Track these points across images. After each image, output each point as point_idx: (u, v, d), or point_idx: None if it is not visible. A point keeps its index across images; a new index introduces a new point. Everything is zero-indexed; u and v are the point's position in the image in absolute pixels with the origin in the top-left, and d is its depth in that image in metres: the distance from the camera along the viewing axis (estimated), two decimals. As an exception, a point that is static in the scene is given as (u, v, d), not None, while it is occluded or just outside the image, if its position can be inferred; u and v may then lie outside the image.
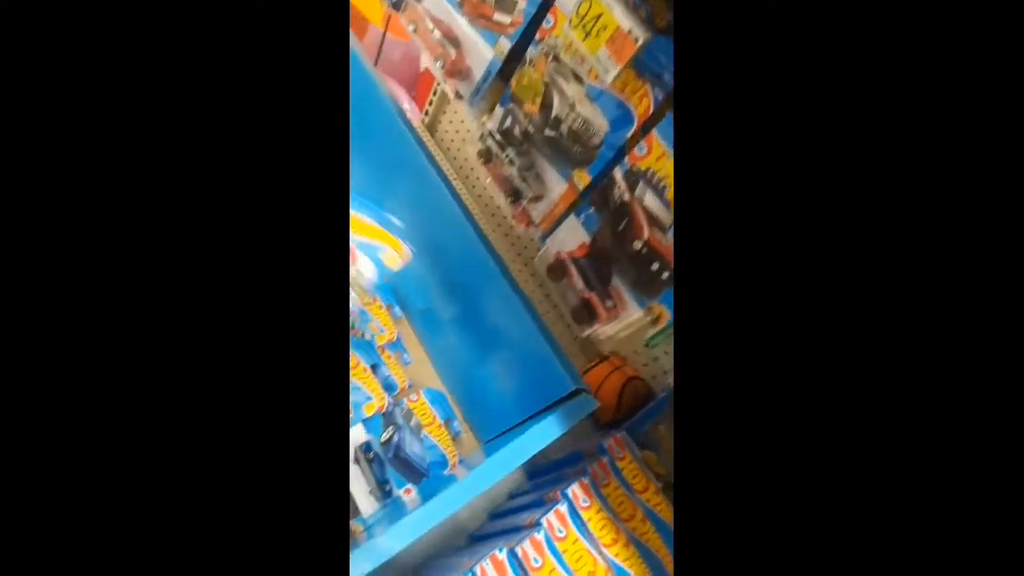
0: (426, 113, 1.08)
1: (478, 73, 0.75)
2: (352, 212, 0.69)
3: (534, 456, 0.58)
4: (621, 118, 0.59)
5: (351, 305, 0.71)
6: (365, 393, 0.74)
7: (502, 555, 0.56)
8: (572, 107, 0.64)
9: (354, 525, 0.70)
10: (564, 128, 0.65)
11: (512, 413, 0.72)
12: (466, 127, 0.98)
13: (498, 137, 0.76)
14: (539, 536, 0.57)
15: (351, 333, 0.80)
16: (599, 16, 0.57)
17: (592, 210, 0.66)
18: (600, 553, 0.58)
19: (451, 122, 1.04)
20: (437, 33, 0.79)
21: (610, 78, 0.59)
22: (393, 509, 0.70)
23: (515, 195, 0.77)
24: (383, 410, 0.75)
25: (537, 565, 0.56)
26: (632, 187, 0.60)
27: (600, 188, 0.64)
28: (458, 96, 0.81)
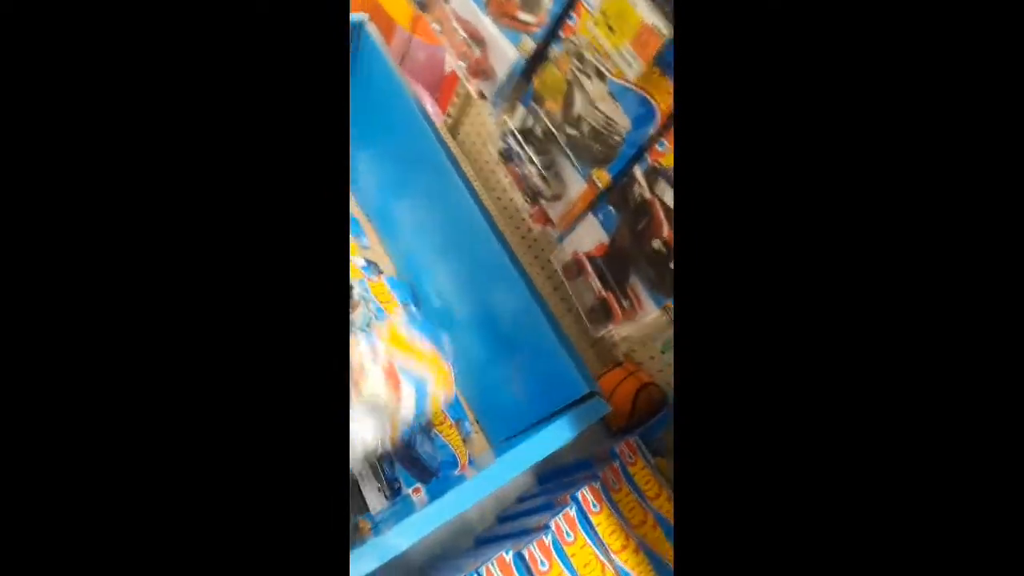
0: (448, 115, 1.08)
1: (501, 73, 0.75)
2: (404, 330, 0.66)
3: (544, 460, 0.57)
4: (644, 115, 0.58)
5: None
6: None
7: (509, 557, 0.55)
8: (594, 104, 0.63)
9: (362, 521, 0.70)
10: (585, 126, 0.65)
11: (524, 415, 0.71)
12: (488, 127, 0.97)
13: (519, 136, 0.75)
14: (547, 540, 0.56)
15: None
16: (624, 11, 0.57)
17: (611, 208, 0.65)
18: (609, 559, 0.56)
19: (472, 124, 1.04)
20: (462, 32, 0.79)
21: (633, 75, 0.58)
22: (402, 507, 0.70)
23: (534, 194, 0.76)
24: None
25: (544, 569, 0.55)
26: (652, 185, 0.59)
27: (620, 186, 0.63)
28: (481, 96, 0.81)
